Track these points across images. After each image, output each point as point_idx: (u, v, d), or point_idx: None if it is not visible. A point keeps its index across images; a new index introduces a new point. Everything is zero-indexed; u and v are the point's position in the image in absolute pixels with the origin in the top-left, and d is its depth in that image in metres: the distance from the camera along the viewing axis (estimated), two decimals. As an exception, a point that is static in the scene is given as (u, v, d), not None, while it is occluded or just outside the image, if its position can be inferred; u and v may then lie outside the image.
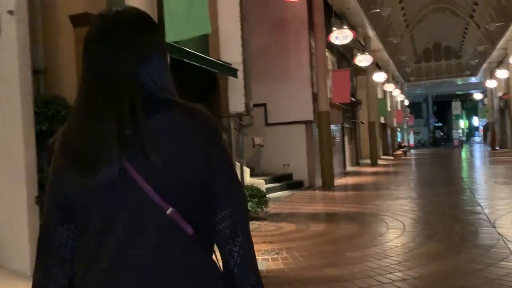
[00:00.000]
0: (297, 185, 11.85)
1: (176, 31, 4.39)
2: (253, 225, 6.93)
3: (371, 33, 20.63)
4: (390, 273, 4.03)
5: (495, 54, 28.05)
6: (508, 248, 4.65)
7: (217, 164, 0.99)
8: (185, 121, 0.97)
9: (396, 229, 6.01)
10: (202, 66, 6.55)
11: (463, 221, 6.31)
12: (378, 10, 20.44)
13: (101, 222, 0.95)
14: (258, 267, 1.02)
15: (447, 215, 6.81)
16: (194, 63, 6.31)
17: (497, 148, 32.02)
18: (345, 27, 14.31)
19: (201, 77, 7.24)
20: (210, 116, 1.01)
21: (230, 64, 7.47)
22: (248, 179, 10.66)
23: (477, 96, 42.45)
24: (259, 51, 12.55)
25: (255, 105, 12.02)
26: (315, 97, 12.29)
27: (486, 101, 37.26)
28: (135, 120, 0.93)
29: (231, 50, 7.54)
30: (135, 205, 0.93)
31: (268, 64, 12.51)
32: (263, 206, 7.39)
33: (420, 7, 29.02)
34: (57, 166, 1.01)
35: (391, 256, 4.58)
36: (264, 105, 12.74)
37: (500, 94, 31.35)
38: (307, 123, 12.50)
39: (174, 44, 5.74)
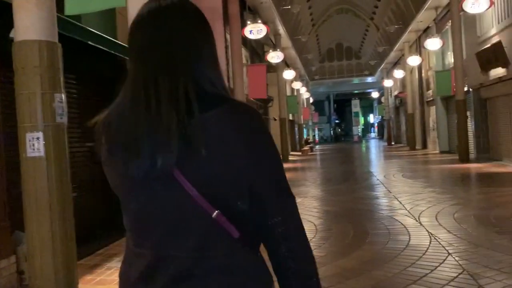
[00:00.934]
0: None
1: (79, 2, 3.56)
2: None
3: (281, 30, 20.71)
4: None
5: (393, 55, 29.99)
6: (446, 250, 4.53)
7: (263, 166, 0.93)
8: (231, 120, 0.91)
9: (323, 224, 5.73)
10: (110, 51, 5.66)
11: (387, 219, 6.22)
12: (289, 7, 20.56)
13: (138, 216, 0.93)
14: (315, 276, 0.95)
15: (369, 212, 6.74)
16: (100, 46, 5.40)
17: (393, 143, 34.54)
18: (259, 21, 14.03)
19: (108, 65, 6.33)
20: (258, 115, 0.95)
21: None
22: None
23: (375, 94, 45.40)
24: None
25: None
26: (231, 93, 11.78)
27: (383, 100, 39.87)
28: (188, 115, 0.88)
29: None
30: (176, 204, 0.90)
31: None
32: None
33: (326, 7, 30.03)
34: (100, 148, 0.97)
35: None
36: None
37: (396, 92, 33.77)
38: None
39: (75, 22, 4.83)
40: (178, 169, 0.87)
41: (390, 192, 8.74)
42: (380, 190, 9.13)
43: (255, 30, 13.66)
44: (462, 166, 13.85)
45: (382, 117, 44.64)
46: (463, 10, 12.86)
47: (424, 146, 24.89)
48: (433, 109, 22.96)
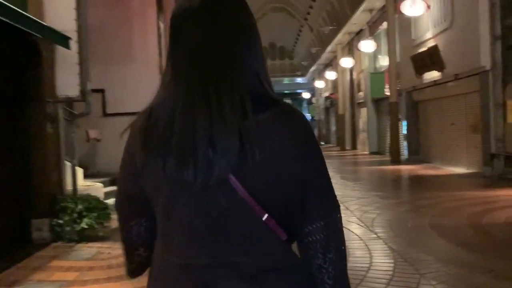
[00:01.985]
0: (141, 187, 10.15)
1: None
2: (91, 249, 5.19)
3: (217, 23, 19.84)
4: None
5: (325, 56, 30.28)
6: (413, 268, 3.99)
7: (313, 171, 0.91)
8: (284, 124, 0.88)
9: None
10: (18, 26, 4.49)
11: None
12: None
13: (186, 221, 0.88)
14: None
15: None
16: (5, 20, 4.24)
17: (322, 143, 35.10)
18: (195, 10, 13.08)
19: (15, 44, 5.13)
20: (307, 119, 0.93)
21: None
22: (81, 182, 8.64)
23: (305, 95, 45.95)
24: (94, 24, 10.45)
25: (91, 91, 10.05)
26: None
27: (314, 100, 40.40)
28: (243, 117, 0.84)
29: (60, 13, 5.55)
30: (227, 208, 0.86)
31: (106, 42, 10.48)
32: (103, 222, 5.65)
33: (261, 4, 29.59)
34: (135, 154, 0.91)
35: None
36: (101, 91, 10.68)
37: (327, 94, 34.28)
38: (153, 114, 10.89)
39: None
40: (232, 173, 0.84)
41: (334, 197, 8.27)
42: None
43: (190, 20, 12.67)
44: (395, 167, 13.95)
45: (312, 117, 45.36)
46: (401, 11, 12.87)
47: (354, 146, 25.32)
48: (363, 111, 23.38)
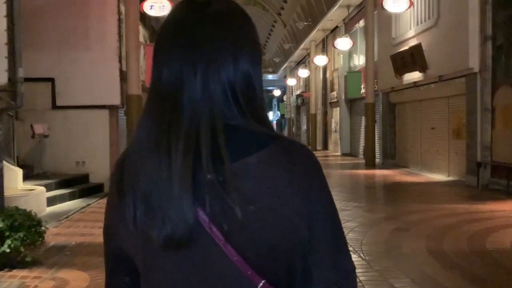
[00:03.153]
0: (95, 191, 8.98)
1: None
2: (12, 279, 4.06)
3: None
4: None
5: (298, 53, 29.52)
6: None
7: (322, 225, 0.72)
8: (285, 166, 0.70)
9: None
10: None
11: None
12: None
13: (164, 286, 0.72)
14: None
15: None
16: None
17: (293, 142, 34.43)
18: (162, -5, 11.90)
19: None
20: (313, 155, 0.75)
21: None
22: (20, 185, 7.40)
23: (276, 92, 45.19)
24: (41, 3, 9.19)
25: (36, 80, 8.78)
26: (123, 76, 9.59)
27: (285, 98, 39.68)
28: (216, 161, 0.67)
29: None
30: (213, 273, 0.69)
31: (57, 24, 9.23)
32: (33, 243, 4.50)
33: (234, -4, 28.44)
34: (112, 205, 0.77)
35: None
36: (51, 80, 9.43)
37: (298, 92, 33.59)
38: (111, 108, 9.74)
39: None
40: (217, 229, 0.67)
41: (312, 208, 7.39)
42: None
43: (156, 6, 11.47)
44: (371, 172, 13.28)
45: (283, 115, 44.68)
46: (382, 7, 12.13)
47: (325, 147, 24.71)
48: (336, 111, 22.77)
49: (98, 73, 9.35)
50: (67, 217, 6.85)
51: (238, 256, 0.68)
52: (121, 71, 9.64)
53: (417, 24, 12.29)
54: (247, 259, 0.68)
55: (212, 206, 0.68)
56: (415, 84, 12.41)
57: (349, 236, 5.43)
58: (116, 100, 9.55)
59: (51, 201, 7.61)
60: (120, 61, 9.67)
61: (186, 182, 0.66)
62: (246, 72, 0.73)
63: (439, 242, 5.12)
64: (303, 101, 31.50)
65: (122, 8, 9.87)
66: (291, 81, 33.35)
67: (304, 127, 32.43)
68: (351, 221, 6.32)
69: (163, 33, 0.75)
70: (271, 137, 0.72)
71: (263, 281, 0.68)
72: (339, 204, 7.68)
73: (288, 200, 0.70)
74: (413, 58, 11.99)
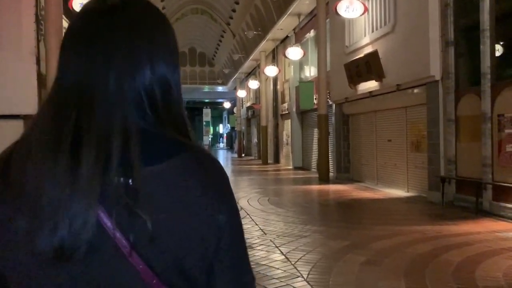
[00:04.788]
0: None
1: None
2: None
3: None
4: None
5: (248, 64, 28.74)
6: None
7: (227, 238, 0.70)
8: (195, 176, 0.67)
9: None
10: None
11: None
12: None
13: None
14: None
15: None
16: None
17: (243, 155, 33.47)
18: (94, -8, 10.55)
19: None
20: (223, 168, 0.72)
21: None
22: None
23: (226, 104, 44.18)
24: None
25: None
26: (41, 80, 8.13)
27: (235, 110, 38.75)
28: (127, 166, 0.63)
29: None
30: (115, 283, 0.64)
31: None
32: None
33: (181, 3, 27.23)
34: None
35: None
36: (-52, 84, 7.80)
37: (248, 104, 32.73)
38: (27, 118, 8.22)
39: None
40: (123, 236, 0.63)
41: (265, 234, 6.28)
42: (251, 230, 6.60)
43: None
44: (325, 187, 12.45)
45: (233, 127, 43.73)
46: (336, 12, 11.43)
47: (277, 160, 23.90)
48: (287, 123, 22.07)
49: (8, 76, 7.84)
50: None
51: (144, 265, 0.64)
52: (38, 74, 8.17)
53: (373, 31, 11.67)
54: (153, 268, 0.64)
55: (119, 213, 0.63)
56: (371, 94, 11.75)
57: (313, 275, 4.36)
58: (32, 108, 8.03)
59: None
60: (37, 63, 8.19)
61: (92, 187, 0.61)
62: (163, 77, 0.70)
63: (420, 280, 4.17)
64: (253, 113, 30.68)
65: (41, 0, 8.46)
66: (241, 93, 32.46)
67: (255, 140, 31.60)
68: (312, 252, 5.27)
69: (74, 31, 0.69)
70: (185, 145, 0.70)
71: None
72: (296, 228, 6.64)
73: (200, 210, 0.67)
74: (368, 67, 11.33)
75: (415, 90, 9.79)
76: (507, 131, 7.12)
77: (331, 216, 8.37)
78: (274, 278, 4.25)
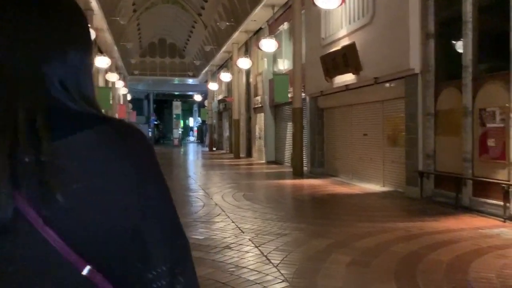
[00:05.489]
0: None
1: None
2: None
3: (94, 4, 16.43)
4: None
5: (220, 56, 28.20)
6: None
7: (154, 204, 0.69)
8: (113, 145, 0.67)
9: None
10: None
11: None
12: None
13: None
14: None
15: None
16: None
17: (214, 149, 32.97)
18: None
19: None
20: (147, 139, 0.72)
21: None
22: None
23: (197, 97, 43.43)
24: None
25: None
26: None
27: (206, 103, 38.13)
28: (35, 141, 0.63)
29: None
30: (34, 262, 0.64)
31: None
32: None
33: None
34: None
35: None
36: None
37: (220, 97, 32.19)
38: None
39: None
40: (36, 212, 0.63)
41: (243, 233, 5.91)
42: (227, 228, 6.23)
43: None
44: (300, 182, 12.22)
45: (204, 121, 43.11)
46: (314, 3, 11.13)
47: (249, 154, 23.57)
48: (260, 117, 21.75)
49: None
50: None
51: (60, 240, 0.63)
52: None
53: (350, 23, 11.44)
54: (71, 243, 0.63)
55: (30, 188, 0.63)
56: (347, 87, 11.55)
57: (298, 278, 4.04)
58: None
59: None
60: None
61: (1, 164, 0.61)
62: (75, 63, 0.71)
63: (413, 282, 3.91)
64: (225, 107, 30.21)
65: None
66: (212, 86, 31.86)
67: (226, 133, 31.14)
68: (294, 252, 4.95)
69: None
70: (102, 118, 0.69)
71: (88, 267, 0.64)
72: (275, 226, 6.32)
73: (119, 180, 0.66)
74: (345, 59, 11.10)
75: (393, 84, 9.62)
76: (488, 125, 7.00)
77: (309, 212, 8.09)
78: (256, 283, 3.90)
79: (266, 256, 4.74)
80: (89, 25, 0.76)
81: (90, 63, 0.75)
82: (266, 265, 4.46)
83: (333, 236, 5.67)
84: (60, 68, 0.69)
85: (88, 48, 0.75)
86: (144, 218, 0.67)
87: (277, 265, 4.41)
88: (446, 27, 8.14)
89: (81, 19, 0.74)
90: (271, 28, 19.10)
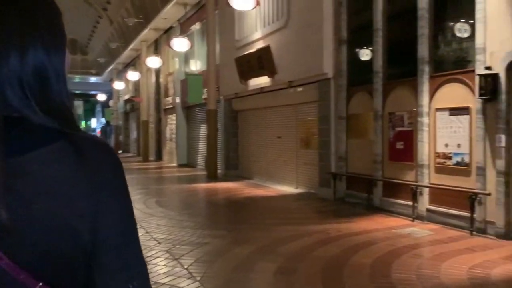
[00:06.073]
0: None
1: None
2: None
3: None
4: None
5: (127, 54, 26.90)
6: None
7: (112, 222, 0.68)
8: (71, 164, 0.65)
9: None
10: None
11: None
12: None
13: None
14: None
15: None
16: None
17: (120, 152, 31.38)
18: None
19: None
20: (111, 152, 0.70)
21: None
22: None
23: (101, 97, 41.06)
24: None
25: None
26: None
27: (111, 103, 36.19)
28: None
29: None
30: None
31: None
32: None
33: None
34: None
35: None
36: None
37: (127, 96, 30.72)
38: None
39: None
40: None
41: (160, 244, 5.51)
42: (142, 239, 5.76)
43: None
44: (215, 185, 11.97)
45: (108, 122, 40.88)
46: (228, 4, 10.97)
47: (159, 157, 22.76)
48: (171, 118, 21.10)
49: None
50: None
51: (7, 260, 0.62)
52: None
53: (265, 26, 11.46)
54: (21, 262, 0.62)
55: None
56: (262, 90, 11.56)
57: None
58: None
59: None
60: None
61: None
62: (39, 63, 0.65)
63: (340, 287, 3.87)
64: (133, 107, 28.88)
65: None
66: (118, 85, 30.29)
67: (134, 135, 29.80)
68: (217, 262, 4.69)
69: None
70: (62, 132, 0.66)
71: (40, 284, 0.63)
72: (194, 234, 5.99)
73: (70, 202, 0.65)
74: (260, 62, 11.10)
75: (307, 87, 9.79)
76: (397, 129, 7.37)
77: (228, 218, 7.88)
78: (180, 301, 3.57)
79: (187, 269, 4.42)
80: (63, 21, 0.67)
81: (62, 64, 0.68)
82: (188, 279, 4.14)
83: (255, 242, 5.51)
84: (20, 67, 0.62)
85: (59, 45, 0.68)
86: (96, 242, 0.65)
87: (200, 279, 4.11)
88: (358, 34, 8.45)
89: (50, 9, 0.67)
90: (183, 27, 18.61)
